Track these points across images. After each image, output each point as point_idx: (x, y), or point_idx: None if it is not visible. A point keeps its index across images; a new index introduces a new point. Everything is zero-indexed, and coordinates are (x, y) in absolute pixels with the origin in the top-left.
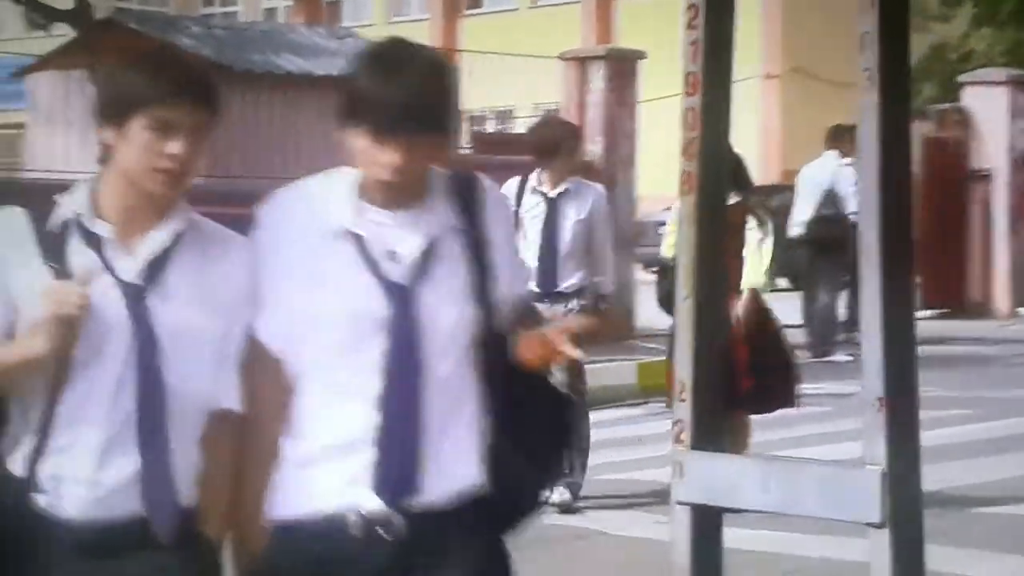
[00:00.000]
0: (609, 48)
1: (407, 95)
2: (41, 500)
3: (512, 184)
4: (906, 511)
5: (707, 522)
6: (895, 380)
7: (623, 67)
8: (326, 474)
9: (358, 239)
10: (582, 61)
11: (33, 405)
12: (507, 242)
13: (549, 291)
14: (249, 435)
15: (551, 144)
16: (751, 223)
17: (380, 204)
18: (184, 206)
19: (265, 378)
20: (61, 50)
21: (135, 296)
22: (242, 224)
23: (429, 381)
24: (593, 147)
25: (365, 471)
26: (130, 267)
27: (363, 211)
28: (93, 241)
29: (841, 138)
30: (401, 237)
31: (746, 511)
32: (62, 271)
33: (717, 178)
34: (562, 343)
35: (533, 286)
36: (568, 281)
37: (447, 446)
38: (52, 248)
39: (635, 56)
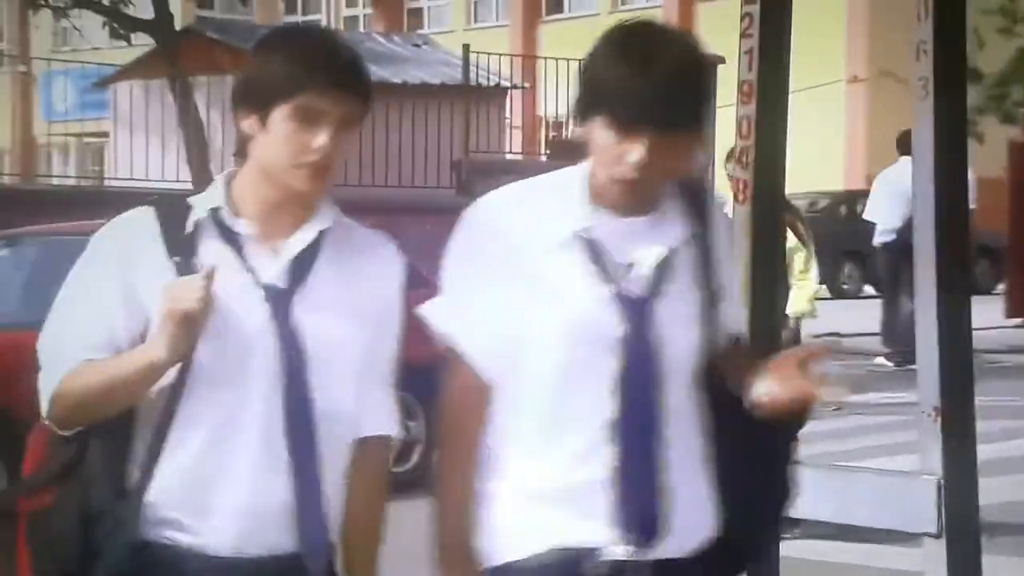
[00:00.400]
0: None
1: (658, 84)
2: (175, 535)
3: None
4: (962, 521)
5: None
6: (951, 390)
7: None
8: (556, 516)
9: (591, 246)
10: None
11: (162, 428)
12: (731, 265)
13: None
14: (446, 469)
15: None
16: (792, 242)
17: (613, 209)
18: (331, 203)
19: (467, 403)
20: (142, 60)
21: (278, 300)
22: None
23: (665, 409)
24: None
25: (603, 512)
26: (272, 268)
27: (596, 216)
28: (231, 240)
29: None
30: (637, 246)
31: (800, 520)
32: (191, 270)
33: (772, 187)
34: (820, 388)
35: None
36: None
37: (685, 484)
38: (184, 248)
39: (713, 61)
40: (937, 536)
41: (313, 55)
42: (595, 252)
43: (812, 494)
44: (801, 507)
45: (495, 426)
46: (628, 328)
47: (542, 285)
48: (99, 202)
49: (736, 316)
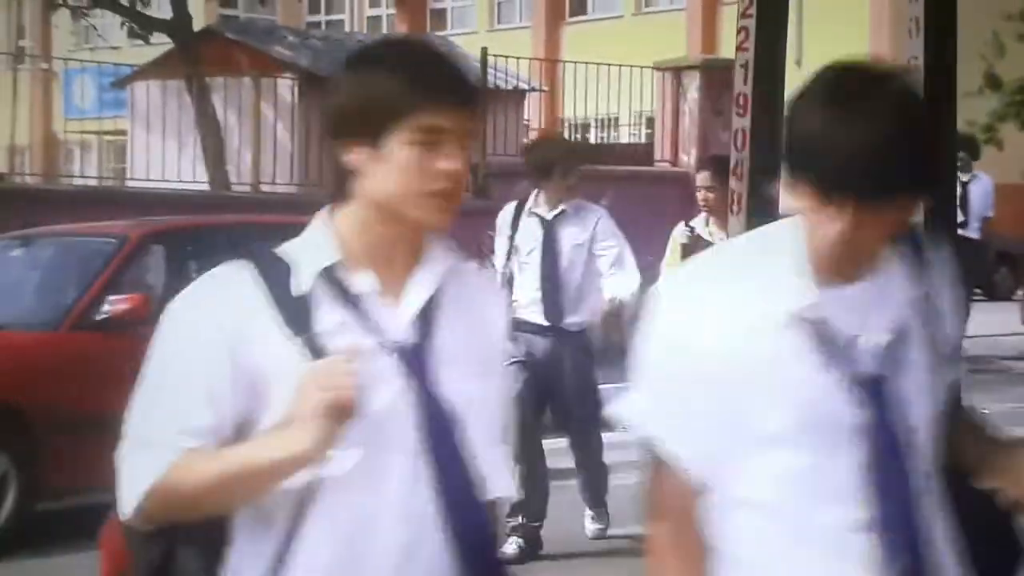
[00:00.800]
0: (704, 59)
1: (864, 146)
2: None
3: (510, 208)
4: None
5: None
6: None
7: (719, 77)
8: None
9: (816, 324)
10: (677, 71)
11: (295, 525)
12: (954, 316)
13: (555, 325)
14: None
15: (545, 164)
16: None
17: (832, 277)
18: (434, 238)
19: (682, 510)
20: (160, 60)
21: (412, 360)
22: None
23: (922, 503)
24: (686, 157)
25: None
26: (396, 323)
27: (815, 287)
28: (350, 298)
29: None
30: (866, 318)
31: None
32: (315, 342)
33: (765, 199)
34: None
35: (540, 319)
36: (574, 316)
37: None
38: (300, 315)
39: (731, 66)
40: None
41: (425, 66)
42: (821, 330)
43: None
44: None
45: (725, 533)
46: (868, 414)
47: (762, 374)
48: (118, 202)
49: (957, 366)
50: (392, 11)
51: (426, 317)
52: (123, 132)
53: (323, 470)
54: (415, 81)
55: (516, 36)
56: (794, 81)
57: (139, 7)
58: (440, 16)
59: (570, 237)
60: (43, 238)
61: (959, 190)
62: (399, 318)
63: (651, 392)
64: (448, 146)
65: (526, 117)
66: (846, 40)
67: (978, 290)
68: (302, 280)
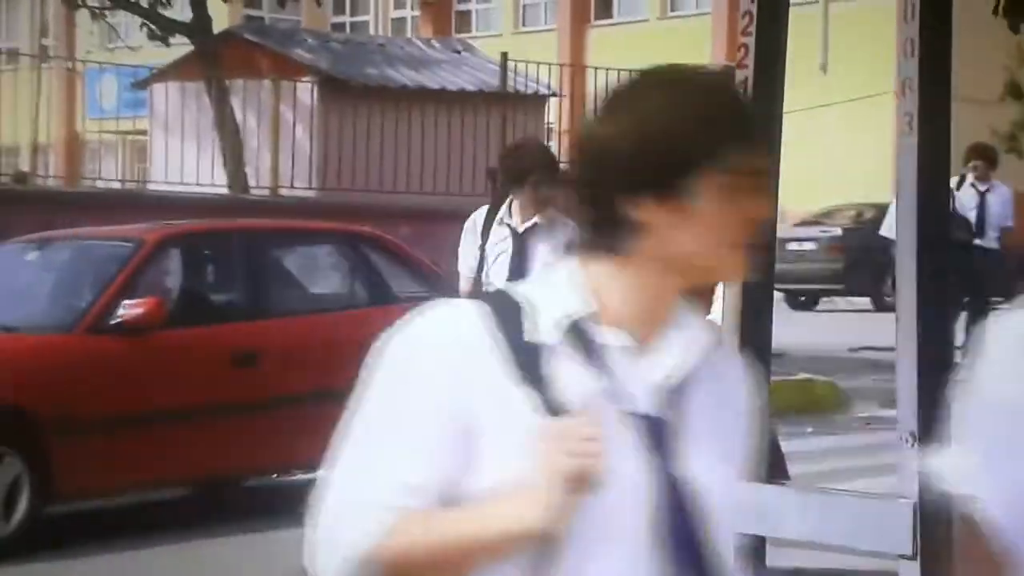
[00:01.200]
0: (724, 65)
1: None
2: None
3: (481, 213)
4: (937, 544)
5: (748, 549)
6: (929, 414)
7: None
8: None
9: None
10: None
11: None
12: None
13: None
14: None
15: (517, 173)
16: None
17: None
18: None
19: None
20: (180, 62)
21: (658, 436)
22: (352, 237)
23: None
24: None
25: None
26: (645, 391)
27: None
28: (593, 352)
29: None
30: None
31: (783, 539)
32: (550, 397)
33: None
34: None
35: None
36: None
37: None
38: (530, 360)
39: None
40: (912, 558)
41: (724, 99)
42: None
43: (793, 513)
44: (782, 526)
45: None
46: None
47: None
48: (139, 205)
49: None
50: (417, 13)
51: (677, 390)
52: (144, 132)
53: (553, 546)
54: (722, 115)
55: (541, 38)
56: (819, 86)
57: (159, 9)
58: (465, 18)
59: (541, 254)
60: (59, 241)
61: (976, 199)
62: (649, 385)
63: (974, 449)
64: (755, 190)
65: (550, 121)
66: (872, 46)
67: (999, 299)
68: (540, 326)
